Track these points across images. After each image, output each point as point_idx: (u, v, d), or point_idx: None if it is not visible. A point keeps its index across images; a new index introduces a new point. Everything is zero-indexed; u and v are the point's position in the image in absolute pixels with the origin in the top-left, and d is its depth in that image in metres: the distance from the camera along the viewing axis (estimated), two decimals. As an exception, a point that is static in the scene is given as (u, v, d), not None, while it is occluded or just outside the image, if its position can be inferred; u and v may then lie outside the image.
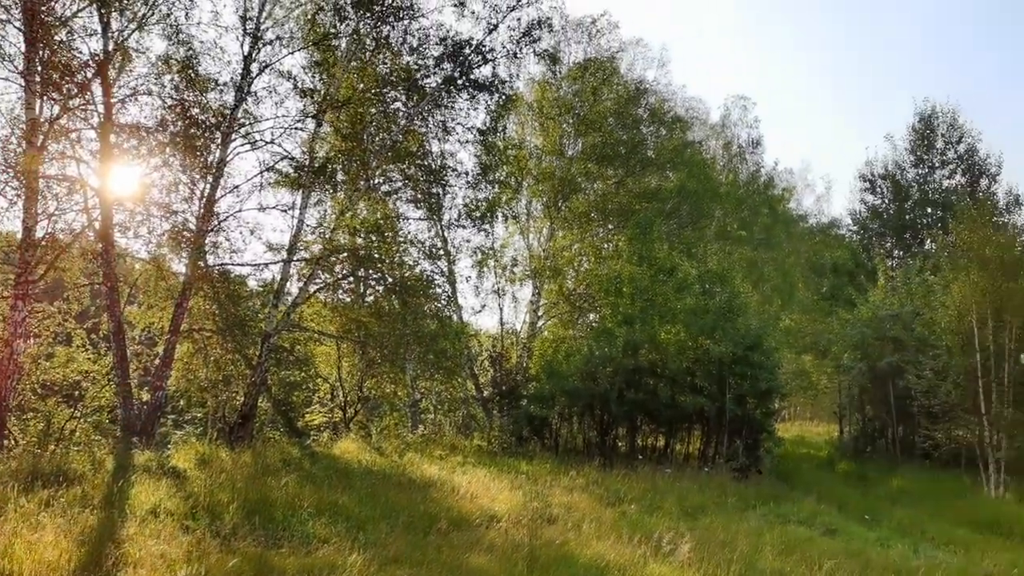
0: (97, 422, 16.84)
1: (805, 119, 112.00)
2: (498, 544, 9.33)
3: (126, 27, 15.79)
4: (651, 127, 30.26)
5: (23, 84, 14.42)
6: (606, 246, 28.58)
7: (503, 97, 21.25)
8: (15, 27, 14.33)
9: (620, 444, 22.64)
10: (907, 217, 33.66)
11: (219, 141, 17.12)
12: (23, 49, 14.33)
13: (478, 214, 23.43)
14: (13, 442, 14.66)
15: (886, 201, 34.64)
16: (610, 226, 28.28)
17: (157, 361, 16.79)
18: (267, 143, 18.00)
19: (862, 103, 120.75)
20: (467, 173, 22.64)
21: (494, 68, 20.62)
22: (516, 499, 12.34)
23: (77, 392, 16.96)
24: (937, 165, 33.50)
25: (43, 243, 14.88)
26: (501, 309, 26.07)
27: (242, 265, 18.27)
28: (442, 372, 21.63)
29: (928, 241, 32.21)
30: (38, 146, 14.21)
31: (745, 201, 36.84)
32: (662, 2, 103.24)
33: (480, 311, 26.22)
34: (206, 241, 16.87)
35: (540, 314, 26.49)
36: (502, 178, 24.49)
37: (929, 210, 33.46)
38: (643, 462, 19.53)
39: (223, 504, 9.30)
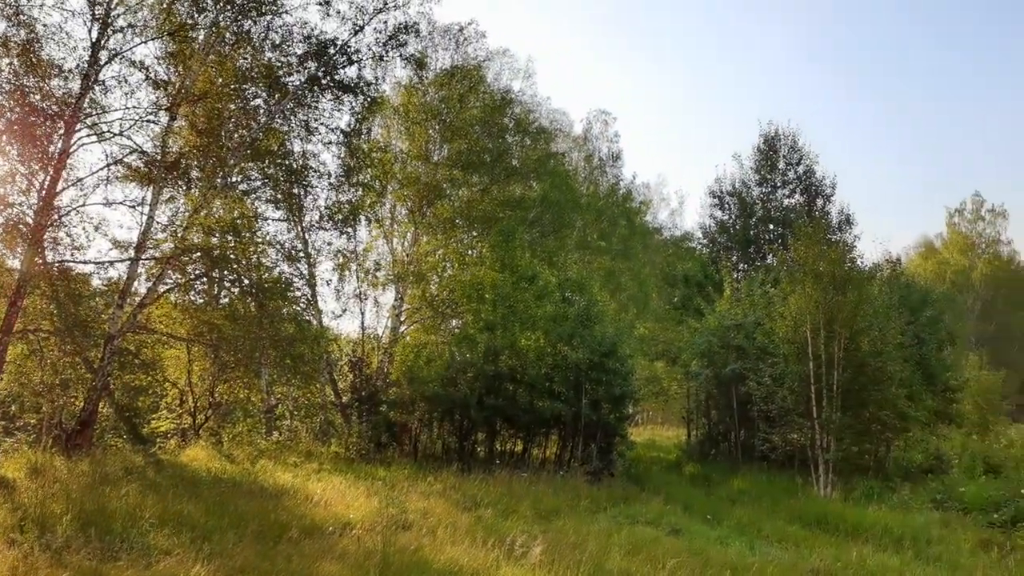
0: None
1: (663, 136, 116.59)
2: (351, 552, 9.22)
3: (-42, 4, 14.66)
4: (516, 136, 30.72)
5: None
6: (470, 252, 28.73)
7: (368, 99, 21.03)
8: None
9: (479, 449, 22.82)
10: (751, 232, 35.59)
11: (62, 131, 16.12)
12: None
13: (341, 217, 23.01)
14: None
15: (733, 217, 36.51)
16: (474, 233, 28.45)
17: (-15, 364, 15.62)
18: (115, 135, 17.09)
19: (715, 123, 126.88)
20: (330, 175, 22.19)
21: (360, 70, 20.40)
22: (372, 506, 12.23)
23: None
24: (779, 184, 35.64)
25: None
26: (363, 314, 25.72)
27: (85, 263, 17.24)
28: (300, 377, 21.12)
29: (770, 256, 34.14)
30: None
31: (605, 213, 38.01)
32: (528, 15, 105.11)
33: (341, 315, 25.73)
34: (45, 236, 15.84)
35: (402, 319, 26.32)
36: (366, 181, 24.17)
37: (771, 226, 35.51)
38: (501, 466, 19.76)
39: (55, 516, 8.77)
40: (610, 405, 22.57)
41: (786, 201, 35.73)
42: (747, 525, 16.02)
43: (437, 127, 27.04)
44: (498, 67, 31.14)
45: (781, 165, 35.84)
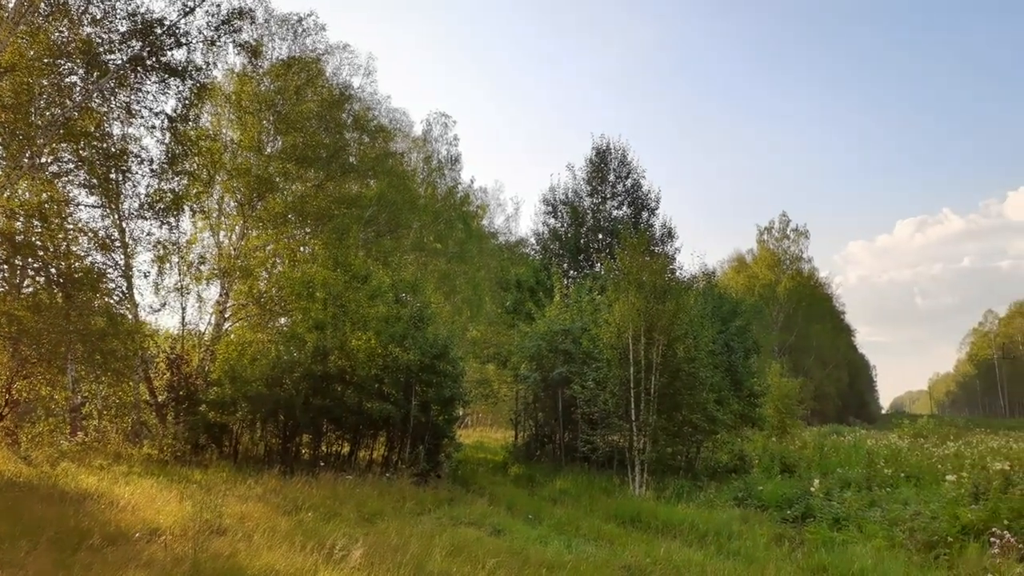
0: None
1: (501, 142, 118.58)
2: (158, 559, 8.77)
3: None
4: (354, 133, 30.33)
5: None
6: (302, 249, 28.05)
7: (197, 84, 20.08)
8: None
9: (304, 451, 22.28)
10: (582, 240, 36.79)
11: None
12: None
13: (163, 206, 21.79)
14: None
15: (565, 225, 37.60)
16: (307, 229, 27.80)
17: None
18: (-98, 103, 15.45)
19: (551, 134, 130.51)
20: (152, 161, 20.98)
21: (189, 53, 19.44)
22: (184, 510, 11.68)
23: None
24: (608, 196, 37.07)
25: None
26: (184, 309, 24.47)
27: None
28: (110, 374, 19.82)
29: (598, 264, 35.41)
30: None
31: (442, 215, 38.18)
32: (371, 14, 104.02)
33: (160, 310, 24.35)
34: None
35: (227, 316, 25.28)
36: (193, 170, 23.04)
37: (600, 236, 36.84)
38: (326, 469, 19.36)
39: None
40: (439, 407, 22.65)
41: (615, 212, 37.17)
42: (566, 524, 16.50)
43: (271, 118, 26.23)
44: (338, 62, 30.64)
45: (611, 178, 37.28)
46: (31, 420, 20.87)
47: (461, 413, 30.67)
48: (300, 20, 27.15)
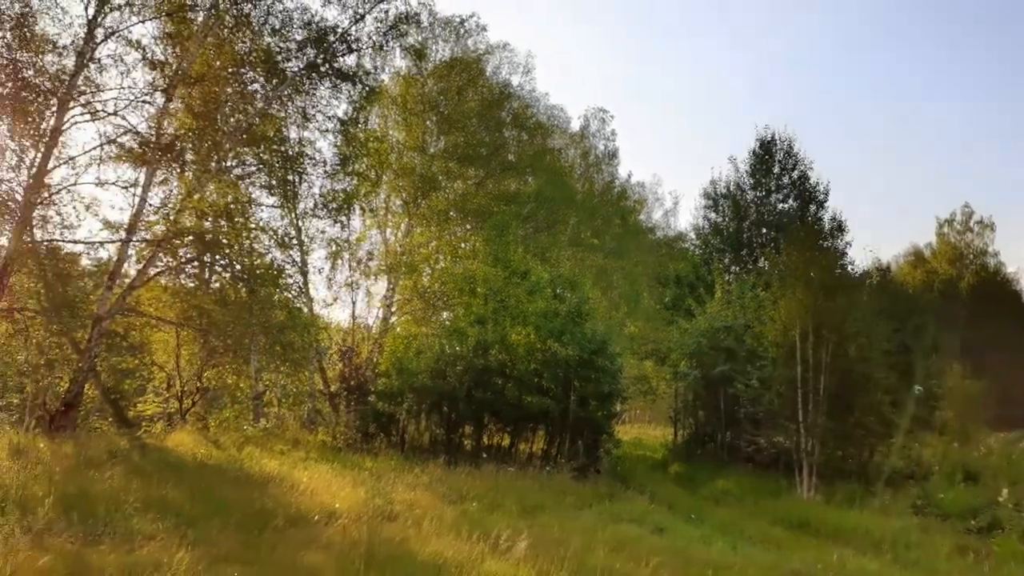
0: None
1: (660, 136, 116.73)
2: (336, 542, 9.15)
3: (-49, -25, 14.47)
4: (513, 131, 30.69)
5: None
6: (463, 245, 28.67)
7: (367, 88, 20.93)
8: None
9: (466, 442, 22.76)
10: (744, 236, 35.54)
11: (55, 108, 15.96)
12: None
13: (335, 205, 22.93)
14: None
15: (726, 219, 36.47)
16: (468, 226, 28.40)
17: (-30, 341, 15.48)
18: (110, 114, 16.93)
19: (712, 125, 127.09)
20: (326, 162, 22.10)
21: (359, 58, 20.32)
22: (358, 496, 12.15)
23: None
24: (773, 189, 35.58)
25: None
26: (354, 303, 25.68)
27: (74, 242, 17.12)
28: (289, 364, 21.05)
29: (762, 259, 34.12)
30: None
31: (599, 210, 38.01)
32: (530, 10, 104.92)
33: (332, 304, 25.67)
34: (34, 214, 15.69)
35: (393, 310, 26.25)
36: (362, 170, 24.08)
37: (764, 230, 35.47)
38: (487, 461, 19.69)
39: (37, 498, 8.67)
40: (598, 402, 22.53)
41: (780, 206, 35.69)
42: (730, 525, 16.02)
43: (434, 119, 26.96)
44: (498, 61, 31.05)
45: (776, 170, 35.81)
46: (219, 407, 22.45)
47: (619, 409, 30.45)
48: (462, 22, 27.75)
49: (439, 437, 22.41)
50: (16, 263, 15.48)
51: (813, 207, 35.18)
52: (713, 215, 37.32)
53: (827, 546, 14.06)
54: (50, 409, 16.62)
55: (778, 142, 35.99)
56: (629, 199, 43.43)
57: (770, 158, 35.92)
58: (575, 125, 40.65)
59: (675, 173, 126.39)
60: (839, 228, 34.59)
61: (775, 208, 35.64)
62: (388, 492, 12.98)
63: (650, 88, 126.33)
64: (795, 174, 35.66)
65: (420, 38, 24.88)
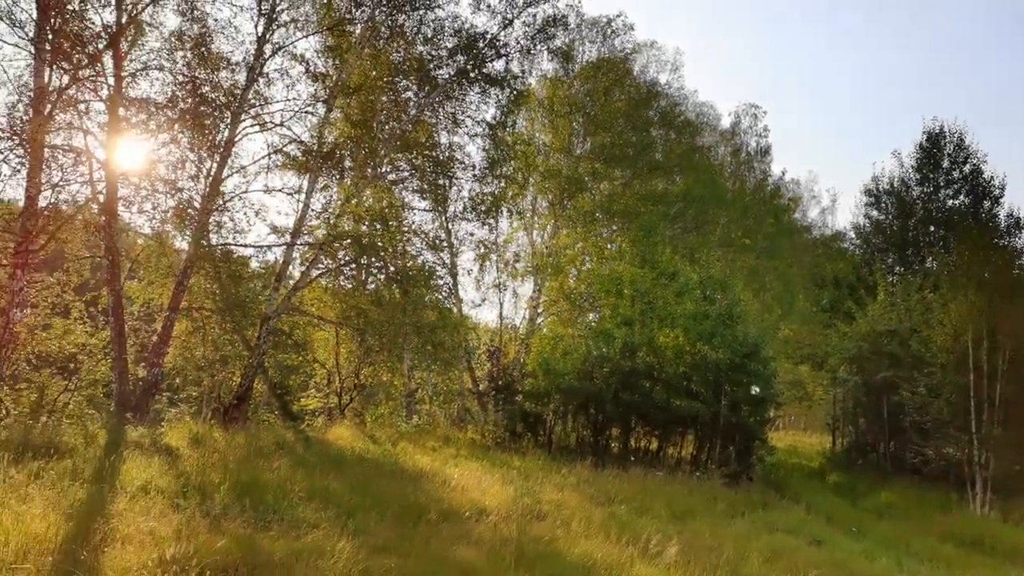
0: (91, 396, 16.84)
1: (815, 131, 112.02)
2: (486, 538, 9.32)
3: (140, 0, 15.75)
4: (661, 130, 30.28)
5: (33, 52, 14.40)
6: (609, 246, 28.56)
7: (514, 92, 21.25)
8: (28, -8, 14.30)
9: (613, 445, 22.64)
10: (910, 234, 33.48)
11: (228, 121, 17.10)
12: (35, 16, 14.31)
13: (483, 208, 23.39)
14: (4, 412, 14.67)
15: (890, 217, 34.47)
16: (614, 227, 28.27)
17: (155, 338, 16.81)
18: (276, 125, 17.98)
19: (872, 118, 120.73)
20: (474, 166, 22.62)
21: (507, 63, 20.67)
22: (507, 494, 12.32)
23: (72, 365, 16.94)
24: (942, 184, 33.26)
25: (45, 213, 14.86)
26: (501, 304, 26.11)
27: (245, 246, 18.23)
28: (439, 363, 21.64)
29: (929, 259, 32.08)
30: (45, 115, 14.19)
31: (750, 209, 36.84)
32: (678, 7, 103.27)
33: (480, 305, 26.25)
34: (210, 220, 16.85)
35: (540, 311, 26.48)
36: (509, 173, 24.45)
37: (932, 228, 33.30)
38: (635, 464, 19.52)
39: (214, 484, 9.30)
40: (750, 407, 21.89)
41: (949, 202, 33.40)
42: (894, 540, 15.17)
43: (581, 120, 26.99)
44: (645, 60, 30.73)
45: (945, 164, 33.53)
46: (374, 403, 23.35)
47: (772, 415, 29.44)
48: (609, 22, 27.64)
49: (586, 438, 22.40)
50: (195, 266, 16.68)
51: (987, 203, 32.72)
52: (875, 213, 35.40)
53: (1003, 567, 13.10)
54: (224, 402, 17.82)
55: (947, 135, 33.69)
56: (783, 197, 41.88)
57: (938, 152, 33.66)
58: (725, 122, 39.64)
59: (832, 170, 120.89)
60: (1016, 225, 32.04)
61: (944, 205, 33.39)
62: (536, 491, 13.09)
63: (806, 83, 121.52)
64: (966, 168, 33.25)
65: (567, 40, 25.00)
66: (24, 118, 14.13)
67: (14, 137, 13.91)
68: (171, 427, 13.91)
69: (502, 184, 24.14)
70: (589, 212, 27.03)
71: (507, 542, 9.06)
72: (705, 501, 15.96)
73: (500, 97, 21.30)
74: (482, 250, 25.56)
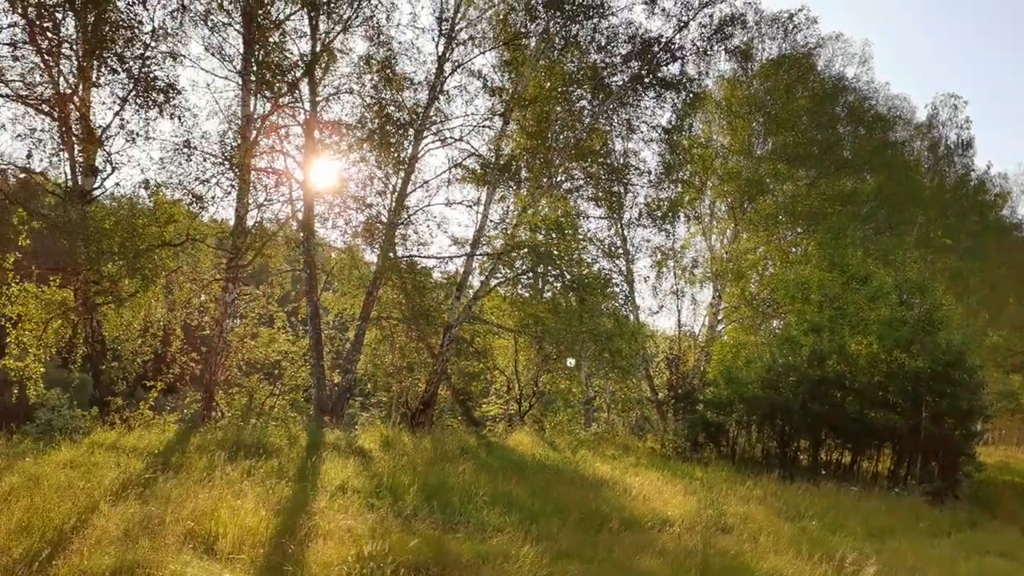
0: (293, 400, 18.06)
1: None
2: (670, 549, 9.16)
3: (332, 29, 16.81)
4: (848, 126, 28.78)
5: (240, 83, 15.70)
6: (794, 250, 27.43)
7: (690, 95, 20.92)
8: (235, 29, 15.61)
9: (801, 457, 21.65)
10: None
11: (412, 138, 17.89)
12: (241, 50, 15.59)
13: (659, 214, 23.15)
14: (220, 414, 15.99)
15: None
16: (799, 229, 27.10)
17: (348, 345, 17.83)
18: (456, 140, 18.67)
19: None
20: (650, 172, 22.46)
21: (682, 66, 20.38)
22: (689, 505, 12.07)
23: (276, 371, 18.24)
24: None
25: (252, 231, 16.11)
26: (679, 311, 25.70)
27: (428, 257, 19.03)
28: (617, 371, 21.53)
29: None
30: (251, 140, 15.40)
31: (951, 206, 34.18)
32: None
33: (657, 312, 25.92)
34: (396, 233, 17.68)
35: (720, 318, 25.80)
36: (686, 178, 24.07)
37: None
38: (826, 478, 18.56)
39: (404, 486, 9.71)
40: (954, 420, 20.23)
41: None
42: None
43: (761, 120, 26.12)
44: (830, 53, 29.26)
45: None
46: (553, 410, 23.59)
47: (980, 428, 27.14)
48: (790, 17, 26.57)
49: (772, 450, 21.55)
50: (383, 277, 17.55)
51: None
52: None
53: None
54: (411, 407, 18.60)
55: None
56: (989, 192, 38.51)
57: None
58: (921, 115, 36.96)
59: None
60: None
61: None
62: (720, 503, 12.74)
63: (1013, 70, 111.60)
64: None
65: (745, 38, 24.33)
66: (233, 144, 15.39)
67: (225, 162, 15.18)
68: (364, 430, 14.69)
69: (679, 189, 23.80)
70: (771, 215, 26.06)
71: (691, 554, 8.87)
72: (905, 519, 14.91)
73: (675, 101, 21.05)
74: (659, 256, 25.32)
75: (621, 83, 20.03)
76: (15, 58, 13.71)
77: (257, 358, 17.60)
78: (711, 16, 19.74)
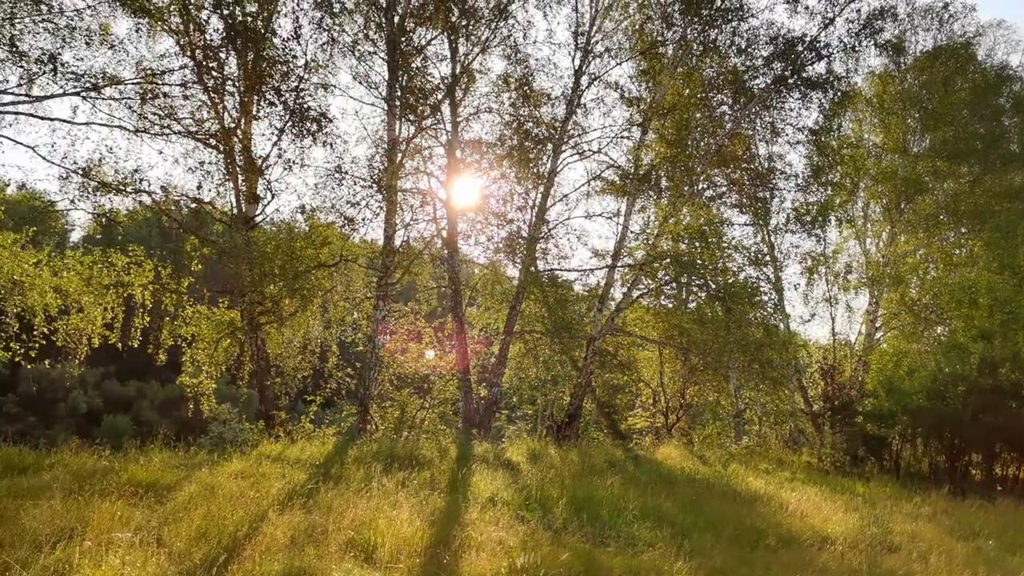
0: (442, 413, 18.50)
1: None
2: (832, 568, 8.75)
3: (471, 51, 17.25)
4: (1015, 118, 26.74)
5: (385, 108, 16.34)
6: (957, 252, 25.72)
7: (838, 94, 20.12)
8: (380, 57, 16.28)
9: (974, 472, 20.21)
10: None
11: (550, 152, 18.06)
12: (386, 76, 16.24)
13: (808, 218, 22.33)
14: (374, 427, 16.59)
15: None
16: (963, 229, 25.38)
17: (493, 359, 18.11)
18: (594, 152, 18.71)
19: None
20: (797, 175, 21.72)
21: (828, 64, 19.63)
22: (851, 522, 11.49)
23: (426, 385, 18.76)
24: None
25: (400, 250, 16.68)
26: (833, 319, 24.62)
27: (569, 270, 19.10)
28: (768, 383, 20.84)
29: None
30: (397, 163, 15.99)
31: None
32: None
33: (809, 320, 25.03)
34: (537, 247, 17.86)
35: (878, 325, 24.50)
36: (836, 180, 23.08)
37: None
38: (1002, 494, 17.22)
39: (553, 499, 9.73)
40: None
41: None
42: None
43: (916, 115, 24.71)
44: (991, 42, 27.34)
45: None
46: (701, 423, 23.09)
47: None
48: (945, 6, 25.03)
49: (940, 465, 20.22)
50: (525, 291, 17.75)
51: None
52: None
53: None
54: (557, 420, 18.67)
55: None
56: None
57: None
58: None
59: None
60: None
61: None
62: (884, 520, 12.05)
63: None
64: None
65: (896, 32, 23.15)
66: (380, 167, 16.02)
67: (374, 185, 15.82)
68: (511, 443, 14.85)
69: (828, 191, 22.87)
70: (931, 215, 24.55)
71: (856, 573, 8.47)
72: (1099, 542, 13.63)
73: (822, 100, 20.28)
74: (809, 262, 24.38)
75: (763, 85, 19.49)
76: (185, 97, 14.84)
77: (407, 373, 18.16)
78: (858, 11, 18.93)
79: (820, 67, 19.59)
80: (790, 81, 19.42)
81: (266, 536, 6.95)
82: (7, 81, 12.62)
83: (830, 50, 19.16)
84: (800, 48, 18.93)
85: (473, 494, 9.62)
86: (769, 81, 19.39)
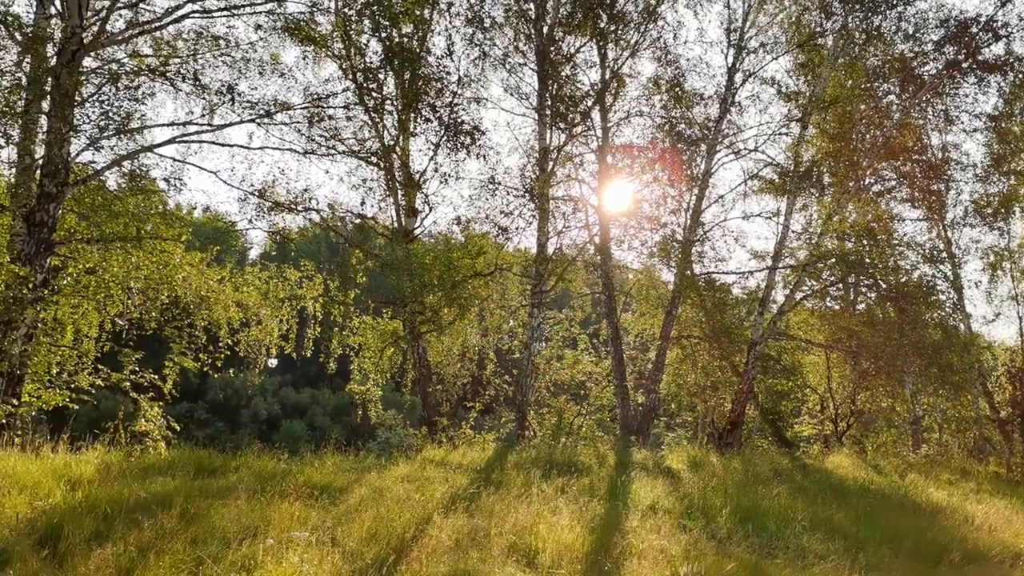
0: (599, 419, 18.46)
1: None
2: (1027, 588, 8.07)
3: (620, 55, 17.20)
4: None
5: (536, 117, 16.54)
6: None
7: (1020, 76, 18.54)
8: (530, 68, 16.54)
9: None
10: None
11: (704, 153, 17.69)
12: (536, 87, 16.44)
13: (989, 210, 20.75)
14: (532, 433, 16.78)
15: None
16: None
17: (650, 365, 17.91)
18: (750, 151, 18.18)
19: None
20: (974, 165, 20.26)
21: (1008, 44, 18.17)
22: (1049, 539, 10.54)
23: (582, 391, 18.78)
24: None
25: (553, 257, 16.81)
26: (1020, 318, 22.70)
27: (727, 273, 18.62)
28: (948, 388, 19.47)
29: None
30: (548, 171, 16.13)
31: None
32: None
33: (994, 320, 23.15)
34: (692, 251, 17.52)
35: (1073, 324, 22.43)
36: (1019, 168, 21.31)
37: None
38: None
39: (716, 508, 9.49)
40: None
41: None
42: None
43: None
44: None
45: None
46: (875, 430, 21.87)
47: None
48: None
49: None
50: (681, 296, 17.45)
51: None
52: None
53: None
54: (718, 427, 18.21)
55: None
56: None
57: None
58: None
59: None
60: None
61: None
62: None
63: None
64: None
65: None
66: (532, 176, 16.23)
67: (526, 194, 16.04)
68: (670, 451, 14.61)
69: (1011, 181, 21.16)
70: None
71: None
72: None
73: (1001, 84, 18.77)
74: (991, 258, 22.66)
75: (934, 71, 18.29)
76: (348, 118, 15.59)
77: (563, 379, 18.26)
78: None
79: (998, 48, 18.20)
80: (964, 65, 18.13)
81: (431, 538, 7.15)
82: (192, 112, 13.64)
83: (1009, 29, 17.74)
84: (975, 29, 17.64)
85: (633, 501, 9.53)
86: (940, 66, 18.19)
